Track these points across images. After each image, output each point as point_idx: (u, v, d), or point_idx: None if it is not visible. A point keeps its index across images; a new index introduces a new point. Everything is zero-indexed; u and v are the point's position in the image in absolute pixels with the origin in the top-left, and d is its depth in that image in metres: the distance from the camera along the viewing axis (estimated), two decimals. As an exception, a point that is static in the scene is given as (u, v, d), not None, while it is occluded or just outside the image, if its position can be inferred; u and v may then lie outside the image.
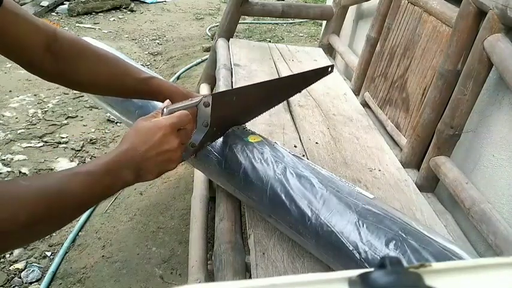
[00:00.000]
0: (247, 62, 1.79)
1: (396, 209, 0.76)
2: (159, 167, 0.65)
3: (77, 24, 3.92)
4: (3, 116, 2.34)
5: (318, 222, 0.72)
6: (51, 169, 1.94)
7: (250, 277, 0.82)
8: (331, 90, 1.65)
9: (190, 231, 1.24)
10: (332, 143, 1.26)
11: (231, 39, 2.12)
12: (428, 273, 0.24)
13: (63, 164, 1.99)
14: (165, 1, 4.95)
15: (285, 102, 1.48)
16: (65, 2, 4.32)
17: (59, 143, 2.15)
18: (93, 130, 2.30)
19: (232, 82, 1.60)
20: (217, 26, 2.56)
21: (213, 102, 0.74)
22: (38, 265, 1.48)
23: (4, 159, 1.97)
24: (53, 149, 2.10)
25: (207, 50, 3.32)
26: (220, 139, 0.92)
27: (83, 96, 2.57)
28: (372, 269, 0.24)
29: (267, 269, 0.79)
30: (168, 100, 0.74)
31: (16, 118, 2.33)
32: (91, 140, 2.20)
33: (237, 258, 0.86)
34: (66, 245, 1.55)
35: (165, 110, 0.69)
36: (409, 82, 1.44)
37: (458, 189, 1.06)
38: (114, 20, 4.17)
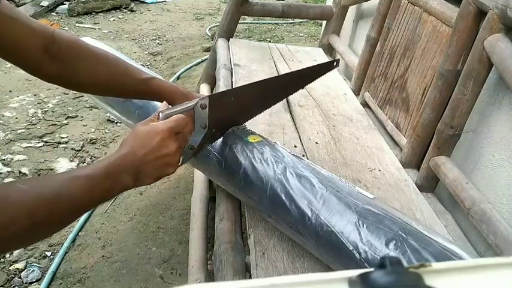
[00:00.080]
0: (247, 62, 1.79)
1: (396, 209, 0.76)
2: (157, 171, 0.65)
3: (77, 24, 3.92)
4: (3, 116, 2.34)
5: (318, 222, 0.72)
6: (51, 169, 1.94)
7: (250, 277, 0.82)
8: (331, 90, 1.65)
9: (190, 231, 1.24)
10: (332, 143, 1.26)
11: (231, 39, 2.12)
12: (428, 273, 0.24)
13: (63, 164, 1.99)
14: (165, 1, 4.95)
15: (285, 102, 1.48)
16: (65, 2, 4.32)
17: (59, 143, 2.15)
18: (93, 130, 2.30)
19: (232, 82, 1.60)
20: (217, 26, 2.56)
21: (210, 103, 0.73)
22: (38, 265, 1.48)
23: (4, 159, 1.97)
24: (53, 149, 2.10)
25: (207, 50, 3.32)
26: (220, 139, 0.92)
27: (83, 96, 2.57)
28: (372, 269, 0.24)
29: (267, 269, 0.79)
30: (164, 103, 0.75)
31: (16, 118, 2.33)
32: (91, 140, 2.20)
33: (237, 258, 0.86)
34: (66, 245, 1.55)
35: (161, 114, 0.69)
36: (409, 82, 1.44)
37: (458, 189, 1.06)
38: (114, 20, 4.17)
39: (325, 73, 1.07)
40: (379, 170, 1.15)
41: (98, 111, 2.47)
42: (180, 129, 0.68)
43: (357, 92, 1.80)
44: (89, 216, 1.72)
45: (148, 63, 3.28)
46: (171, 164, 0.66)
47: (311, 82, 1.07)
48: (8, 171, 1.90)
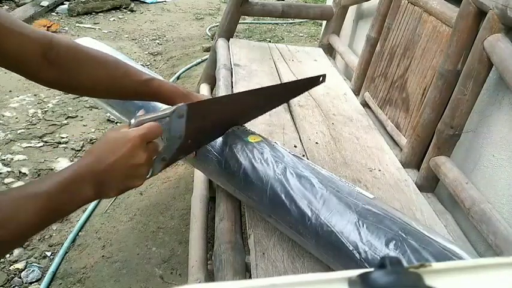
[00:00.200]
0: (247, 62, 1.79)
1: (396, 209, 0.76)
2: (123, 183, 0.61)
3: (77, 24, 3.92)
4: (3, 116, 2.34)
5: (318, 222, 0.72)
6: (51, 169, 1.95)
7: (250, 277, 0.82)
8: (331, 90, 1.65)
9: (190, 231, 1.24)
10: (332, 143, 1.26)
11: (231, 39, 2.12)
12: (428, 273, 0.24)
13: (63, 164, 1.99)
14: (165, 1, 4.95)
15: (285, 102, 1.48)
16: (65, 2, 4.32)
17: (59, 143, 2.15)
18: (93, 130, 2.30)
19: (232, 82, 1.61)
20: (217, 26, 2.56)
21: (189, 113, 0.68)
22: (38, 265, 1.48)
23: (4, 159, 1.97)
24: (53, 149, 2.10)
25: (207, 50, 3.32)
26: (220, 139, 0.92)
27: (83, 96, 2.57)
28: (372, 269, 0.24)
29: (267, 269, 0.79)
30: (142, 110, 0.69)
31: (16, 118, 2.33)
32: (91, 140, 2.20)
33: (237, 258, 0.86)
34: (66, 245, 1.55)
35: (133, 120, 0.63)
36: (409, 82, 1.44)
37: (458, 189, 1.06)
38: (114, 20, 4.17)
39: (310, 88, 1.05)
40: (379, 170, 1.15)
41: (98, 111, 2.47)
42: (153, 138, 0.63)
43: (357, 92, 1.80)
44: (89, 216, 1.72)
45: (148, 63, 3.28)
46: (139, 175, 0.62)
47: (296, 96, 1.05)
48: (8, 171, 1.90)
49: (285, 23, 4.39)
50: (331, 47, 2.25)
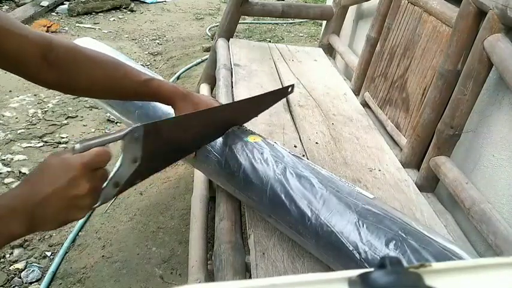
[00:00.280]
0: (247, 62, 1.79)
1: (396, 209, 0.76)
2: (61, 216, 0.55)
3: (77, 24, 3.92)
4: (3, 116, 2.34)
5: (317, 222, 0.72)
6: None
7: (250, 277, 0.82)
8: (331, 90, 1.65)
9: (190, 231, 1.24)
10: (332, 143, 1.26)
11: (231, 39, 2.12)
12: (428, 273, 0.24)
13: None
14: (165, 1, 4.95)
15: (285, 102, 1.48)
16: (65, 2, 4.32)
17: (59, 143, 2.15)
18: (93, 130, 2.30)
19: (232, 82, 1.61)
20: (217, 26, 2.56)
21: (146, 134, 0.62)
22: (38, 265, 1.48)
23: (4, 159, 1.97)
24: (53, 149, 2.10)
25: (207, 50, 3.32)
26: (220, 139, 0.92)
27: (83, 96, 2.57)
28: (372, 269, 0.24)
29: (267, 269, 0.79)
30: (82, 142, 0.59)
31: (16, 118, 2.33)
32: (91, 140, 2.20)
33: (237, 258, 0.86)
34: (66, 245, 1.55)
35: (77, 145, 0.56)
36: (409, 82, 1.44)
37: (458, 189, 1.06)
38: (114, 20, 4.17)
39: (280, 99, 1.02)
40: (379, 170, 1.15)
41: (98, 111, 2.47)
42: (100, 166, 0.56)
43: (357, 92, 1.80)
44: (89, 216, 1.72)
45: (148, 63, 3.28)
46: (81, 207, 0.56)
47: (266, 109, 1.02)
48: (8, 171, 1.90)
49: (285, 23, 4.39)
50: (331, 47, 2.25)
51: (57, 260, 1.49)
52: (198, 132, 0.83)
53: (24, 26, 0.69)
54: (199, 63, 3.18)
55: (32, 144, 2.11)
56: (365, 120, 1.45)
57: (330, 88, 1.66)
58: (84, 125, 2.34)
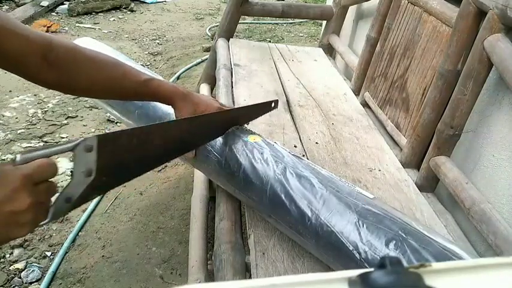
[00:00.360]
0: (247, 62, 1.79)
1: (396, 209, 0.76)
2: (1, 233, 0.50)
3: (77, 24, 3.92)
4: (3, 116, 2.34)
5: (318, 222, 0.72)
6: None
7: (250, 277, 0.82)
8: (331, 90, 1.65)
9: (190, 231, 1.24)
10: (332, 143, 1.26)
11: (231, 39, 2.12)
12: (428, 273, 0.24)
13: (63, 164, 1.99)
14: (165, 1, 4.95)
15: (285, 101, 1.48)
16: (65, 2, 4.32)
17: (59, 143, 2.15)
18: (93, 130, 2.30)
19: (232, 82, 1.61)
20: (217, 26, 2.56)
21: (100, 146, 0.58)
22: (38, 265, 1.48)
23: (4, 159, 1.97)
24: None
25: (207, 50, 3.32)
26: (220, 139, 0.92)
27: (83, 96, 2.57)
28: (372, 269, 0.24)
29: (267, 269, 0.79)
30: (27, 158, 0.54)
31: (16, 118, 2.33)
32: (91, 140, 2.20)
33: (237, 258, 0.86)
34: (66, 245, 1.55)
35: (18, 156, 0.51)
36: (409, 82, 1.44)
37: (458, 189, 1.06)
38: (114, 20, 4.17)
39: (262, 114, 0.98)
40: (379, 170, 1.15)
41: (98, 111, 2.47)
42: (43, 178, 0.52)
43: (357, 92, 1.80)
44: (89, 216, 1.72)
45: (148, 63, 3.28)
46: (21, 223, 0.50)
47: (246, 123, 0.97)
48: (8, 171, 1.89)
49: (285, 23, 4.39)
50: (331, 47, 2.25)
51: (57, 260, 1.49)
52: (160, 145, 0.76)
53: (25, 26, 0.69)
54: (199, 63, 3.18)
55: (32, 144, 2.11)
56: (365, 120, 1.45)
57: (330, 88, 1.66)
58: (84, 125, 2.34)
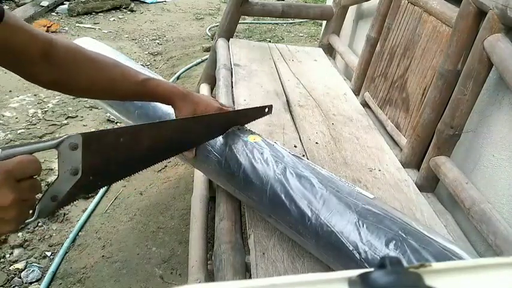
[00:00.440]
0: (247, 62, 1.79)
1: (396, 209, 0.76)
2: None
3: (77, 24, 3.92)
4: (3, 116, 2.34)
5: (317, 222, 0.72)
6: (51, 169, 1.94)
7: (250, 277, 0.82)
8: (331, 90, 1.65)
9: (190, 231, 1.24)
10: (332, 143, 1.26)
11: (231, 39, 2.12)
12: (428, 273, 0.24)
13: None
14: (165, 1, 4.95)
15: (285, 101, 1.48)
16: (65, 2, 4.32)
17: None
18: (93, 130, 2.30)
19: (232, 82, 1.61)
20: (217, 26, 2.56)
21: (86, 144, 0.58)
22: (38, 265, 1.48)
23: (4, 159, 1.97)
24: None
25: (207, 50, 3.32)
26: (220, 139, 0.92)
27: (83, 96, 2.56)
28: (372, 269, 0.24)
29: (267, 269, 0.79)
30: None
31: (16, 118, 2.33)
32: (91, 140, 2.20)
33: (237, 258, 0.86)
34: (66, 245, 1.55)
35: None
36: (409, 82, 1.44)
37: (458, 189, 1.06)
38: (114, 20, 4.17)
39: (256, 119, 0.97)
40: (379, 170, 1.15)
41: (98, 111, 2.47)
42: (25, 175, 0.52)
43: (357, 92, 1.80)
44: (89, 216, 1.72)
45: (148, 63, 3.28)
46: (6, 220, 0.50)
47: (242, 125, 0.96)
48: (8, 171, 1.89)
49: (285, 23, 4.39)
50: (331, 47, 2.25)
51: (57, 260, 1.49)
52: (149, 145, 0.75)
53: (28, 25, 0.69)
54: (199, 63, 3.18)
55: (32, 144, 2.11)
56: (365, 120, 1.45)
57: (330, 88, 1.66)
58: (84, 125, 2.34)
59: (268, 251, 0.84)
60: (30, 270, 1.45)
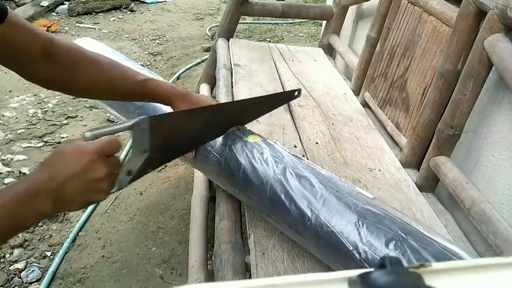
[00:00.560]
0: (247, 62, 1.79)
1: (396, 209, 0.76)
2: (84, 197, 0.58)
3: (77, 24, 3.92)
4: (3, 116, 2.34)
5: (317, 223, 0.72)
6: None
7: (250, 277, 0.82)
8: (331, 90, 1.65)
9: (190, 231, 1.24)
10: (332, 143, 1.26)
11: (231, 39, 2.12)
12: (428, 273, 0.24)
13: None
14: (165, 1, 4.95)
15: (285, 102, 1.48)
16: (65, 2, 4.32)
17: (59, 143, 2.15)
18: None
19: (232, 82, 1.61)
20: (217, 26, 2.56)
21: (152, 125, 0.65)
22: (38, 265, 1.48)
23: (4, 159, 1.97)
24: (52, 149, 2.10)
25: (207, 50, 3.32)
26: (220, 139, 0.92)
27: (83, 96, 2.57)
28: (372, 269, 0.24)
29: (267, 269, 0.79)
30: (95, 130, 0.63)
31: (16, 118, 2.33)
32: (91, 140, 2.20)
33: (237, 258, 0.86)
34: (66, 245, 1.55)
35: (88, 133, 0.60)
36: (409, 82, 1.44)
37: (458, 189, 1.06)
38: (114, 20, 4.17)
39: (286, 102, 1.03)
40: (379, 170, 1.15)
41: (98, 111, 2.47)
42: (111, 152, 0.60)
43: (357, 92, 1.80)
44: (89, 216, 1.72)
45: (148, 63, 3.28)
46: (100, 189, 0.59)
47: (271, 110, 1.04)
48: (8, 171, 1.90)
49: (285, 23, 4.39)
50: (331, 47, 2.25)
51: (57, 260, 1.49)
52: (201, 127, 0.85)
53: (30, 24, 0.70)
54: (199, 63, 3.18)
55: (32, 144, 2.11)
56: (365, 120, 1.45)
57: (330, 88, 1.66)
58: (84, 125, 2.34)
59: (268, 251, 0.84)
60: (30, 270, 1.45)
